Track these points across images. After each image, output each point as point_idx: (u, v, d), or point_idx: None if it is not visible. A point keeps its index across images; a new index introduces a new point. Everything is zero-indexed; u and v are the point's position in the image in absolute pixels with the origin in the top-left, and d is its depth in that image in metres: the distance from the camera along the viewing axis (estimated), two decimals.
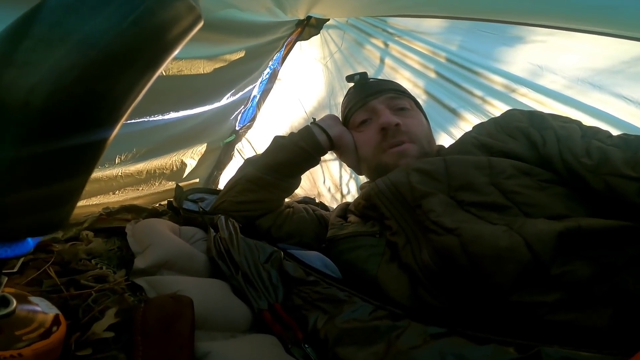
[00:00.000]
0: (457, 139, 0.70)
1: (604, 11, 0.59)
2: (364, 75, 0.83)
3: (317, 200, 1.31)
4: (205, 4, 0.34)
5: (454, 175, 0.56)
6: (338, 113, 1.52)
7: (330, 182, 1.70)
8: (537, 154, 0.56)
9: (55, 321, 0.31)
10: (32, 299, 0.33)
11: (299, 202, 1.10)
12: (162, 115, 0.79)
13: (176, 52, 0.30)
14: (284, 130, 1.62)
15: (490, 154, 0.59)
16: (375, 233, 0.61)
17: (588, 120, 0.90)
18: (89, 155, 0.28)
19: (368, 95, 0.77)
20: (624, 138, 0.52)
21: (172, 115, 0.83)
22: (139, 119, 0.72)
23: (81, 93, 0.25)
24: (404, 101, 0.77)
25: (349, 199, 1.68)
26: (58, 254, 0.48)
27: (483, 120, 1.12)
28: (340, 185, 1.67)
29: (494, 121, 0.67)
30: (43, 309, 0.32)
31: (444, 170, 0.58)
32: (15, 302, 0.29)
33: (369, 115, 0.76)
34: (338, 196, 1.71)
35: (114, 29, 0.25)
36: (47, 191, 0.26)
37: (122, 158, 0.77)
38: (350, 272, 0.61)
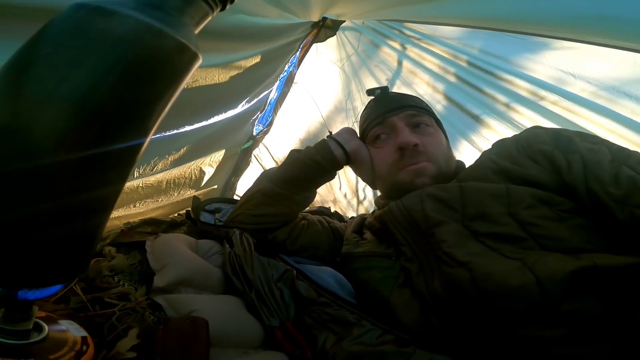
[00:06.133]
0: (476, 159, 0.69)
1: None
2: (384, 89, 0.83)
3: (332, 210, 1.34)
4: None
5: (469, 204, 0.56)
6: (354, 116, 1.55)
7: (347, 188, 1.71)
8: (560, 180, 0.55)
9: (84, 343, 0.35)
10: (62, 322, 0.37)
11: (314, 212, 1.13)
12: (177, 129, 0.82)
13: (176, 93, 0.31)
14: (300, 135, 1.65)
15: (510, 180, 0.58)
16: (391, 255, 0.62)
17: (620, 130, 0.87)
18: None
19: (388, 111, 0.77)
20: None
21: (187, 128, 0.86)
22: (153, 136, 0.76)
23: (80, 159, 0.25)
24: (424, 118, 0.76)
25: (366, 204, 1.69)
26: None
27: (508, 128, 1.12)
28: (357, 190, 1.68)
29: (516, 140, 0.65)
30: (72, 332, 0.36)
31: (459, 199, 0.57)
32: (47, 328, 0.33)
33: (388, 132, 0.76)
34: (354, 202, 1.72)
35: (99, 83, 0.25)
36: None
37: (141, 171, 0.81)
38: (363, 290, 0.63)
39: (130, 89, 0.27)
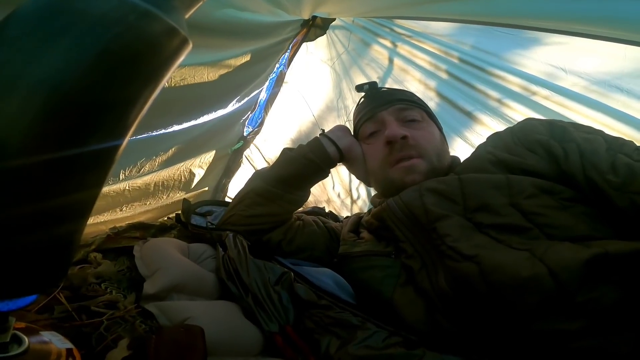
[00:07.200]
0: (472, 152, 0.68)
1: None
2: (373, 84, 0.83)
3: (326, 209, 1.32)
4: (200, 6, 0.32)
5: (470, 195, 0.55)
6: (346, 115, 1.54)
7: (341, 187, 1.70)
8: (559, 169, 0.55)
9: (70, 355, 0.32)
10: (45, 334, 0.33)
11: (308, 213, 1.11)
12: (164, 129, 0.79)
13: (163, 81, 0.28)
14: (292, 135, 1.63)
15: (509, 171, 0.57)
16: (391, 253, 0.61)
17: (613, 124, 0.88)
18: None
19: (377, 106, 0.76)
20: None
21: (176, 127, 0.84)
22: (139, 135, 0.72)
23: (51, 147, 0.22)
24: (414, 112, 0.75)
25: (360, 203, 1.67)
26: (67, 279, 0.49)
27: (501, 124, 1.13)
28: (350, 190, 1.67)
29: (511, 132, 0.65)
30: (56, 344, 0.33)
31: (460, 191, 0.56)
32: (27, 340, 0.30)
33: (378, 127, 0.75)
34: (348, 201, 1.70)
35: (74, 66, 0.22)
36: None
37: (127, 173, 0.77)
38: (363, 291, 0.62)
39: (109, 74, 0.24)
